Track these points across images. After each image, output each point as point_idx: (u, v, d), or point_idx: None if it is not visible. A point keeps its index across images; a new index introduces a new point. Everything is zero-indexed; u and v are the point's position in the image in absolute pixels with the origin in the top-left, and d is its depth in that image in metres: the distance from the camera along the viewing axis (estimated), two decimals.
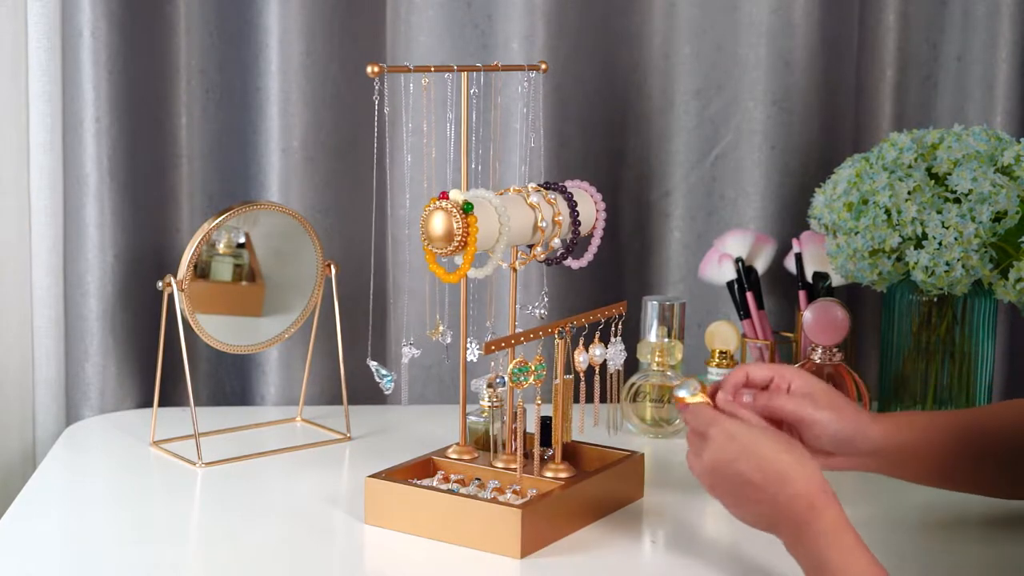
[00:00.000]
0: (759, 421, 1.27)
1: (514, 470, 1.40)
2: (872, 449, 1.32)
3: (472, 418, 1.51)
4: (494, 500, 1.34)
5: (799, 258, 1.76)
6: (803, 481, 1.16)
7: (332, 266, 1.69)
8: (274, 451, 1.63)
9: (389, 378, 1.49)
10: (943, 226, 1.56)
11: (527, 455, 1.43)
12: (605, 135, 1.90)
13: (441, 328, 1.45)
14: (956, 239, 1.55)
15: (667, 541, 1.41)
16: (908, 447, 1.33)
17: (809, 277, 1.75)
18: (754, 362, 1.71)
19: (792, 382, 1.31)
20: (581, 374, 1.42)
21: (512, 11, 1.81)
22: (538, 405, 1.39)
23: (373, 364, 1.50)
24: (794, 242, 1.77)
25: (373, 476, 1.39)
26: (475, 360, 1.43)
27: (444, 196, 1.34)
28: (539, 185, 1.45)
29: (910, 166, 1.62)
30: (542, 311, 1.52)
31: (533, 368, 1.37)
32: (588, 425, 1.45)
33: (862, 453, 1.32)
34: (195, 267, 1.61)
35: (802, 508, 1.15)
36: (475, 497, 1.35)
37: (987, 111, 1.89)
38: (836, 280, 1.73)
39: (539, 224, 1.41)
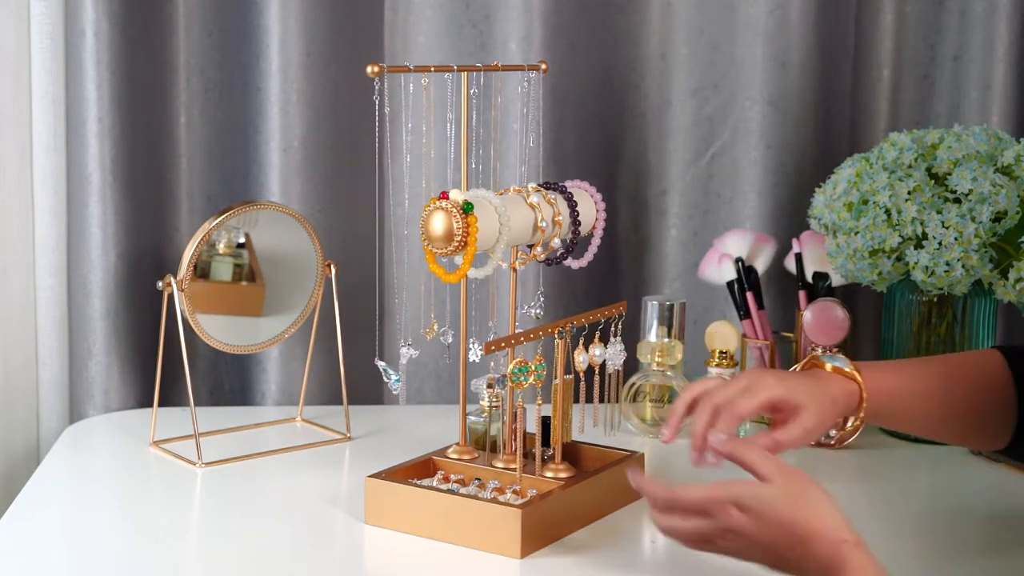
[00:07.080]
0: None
1: (514, 470, 1.40)
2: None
3: (472, 418, 1.51)
4: (494, 500, 1.34)
5: (799, 258, 1.76)
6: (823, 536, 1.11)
7: (332, 266, 1.69)
8: (274, 451, 1.63)
9: (397, 378, 1.48)
10: (943, 226, 1.56)
11: (527, 455, 1.43)
12: (602, 134, 1.90)
13: (436, 327, 1.45)
14: (956, 239, 1.56)
15: (667, 541, 1.40)
16: (884, 412, 1.31)
17: (809, 277, 1.75)
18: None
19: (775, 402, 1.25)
20: (581, 374, 1.42)
21: (510, 11, 1.82)
22: (538, 405, 1.39)
23: (381, 364, 1.49)
24: (794, 242, 1.77)
25: (373, 476, 1.40)
26: (476, 360, 1.44)
27: (444, 196, 1.34)
28: (539, 185, 1.45)
29: (910, 166, 1.62)
30: (538, 311, 1.52)
31: (533, 368, 1.37)
32: (588, 425, 1.45)
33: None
34: (195, 267, 1.61)
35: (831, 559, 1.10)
36: (475, 497, 1.35)
37: (984, 111, 1.89)
38: (836, 280, 1.73)
39: (539, 224, 1.41)
